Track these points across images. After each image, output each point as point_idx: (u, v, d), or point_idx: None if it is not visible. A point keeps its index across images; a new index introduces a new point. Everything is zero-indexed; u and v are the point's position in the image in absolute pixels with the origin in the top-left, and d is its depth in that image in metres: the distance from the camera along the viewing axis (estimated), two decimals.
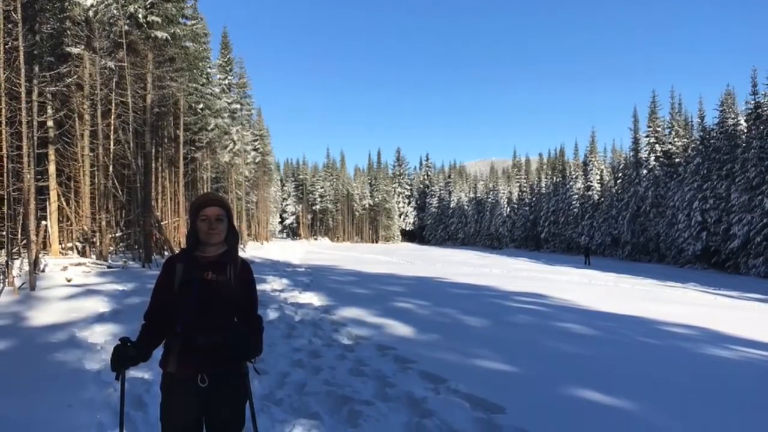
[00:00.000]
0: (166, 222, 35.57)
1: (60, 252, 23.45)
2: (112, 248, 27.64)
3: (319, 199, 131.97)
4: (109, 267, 22.46)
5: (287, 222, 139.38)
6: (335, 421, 6.39)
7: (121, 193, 29.29)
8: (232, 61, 60.06)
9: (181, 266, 3.63)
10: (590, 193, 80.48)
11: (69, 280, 17.36)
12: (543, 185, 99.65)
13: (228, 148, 52.13)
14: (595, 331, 12.78)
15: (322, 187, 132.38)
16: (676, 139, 61.81)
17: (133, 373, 7.32)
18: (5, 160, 17.47)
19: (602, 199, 77.28)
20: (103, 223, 25.84)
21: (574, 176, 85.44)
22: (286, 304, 16.14)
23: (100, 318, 12.07)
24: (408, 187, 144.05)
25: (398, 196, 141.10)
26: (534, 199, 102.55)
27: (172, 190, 38.33)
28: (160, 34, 28.33)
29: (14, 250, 18.75)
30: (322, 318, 13.80)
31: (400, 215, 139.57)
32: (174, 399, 3.60)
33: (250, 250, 49.88)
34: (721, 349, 11.20)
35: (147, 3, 28.10)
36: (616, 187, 72.84)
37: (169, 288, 3.62)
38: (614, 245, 69.92)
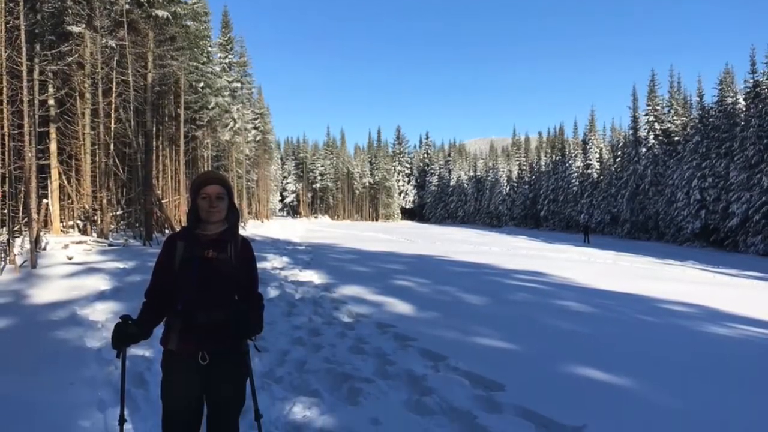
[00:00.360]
0: (167, 200, 35.57)
1: (61, 230, 23.45)
2: (113, 226, 27.65)
3: (319, 178, 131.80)
4: (110, 245, 22.48)
5: (288, 200, 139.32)
6: (335, 398, 6.42)
7: (122, 171, 29.29)
8: (232, 40, 59.72)
9: (181, 244, 3.63)
10: (589, 171, 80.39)
11: (70, 258, 17.38)
12: (542, 164, 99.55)
13: (228, 127, 52.02)
14: (594, 309, 12.82)
15: (322, 166, 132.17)
16: (675, 118, 61.70)
17: (133, 350, 7.35)
18: (6, 138, 17.48)
19: (601, 177, 77.22)
20: (104, 201, 25.85)
21: (573, 155, 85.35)
22: (286, 282, 16.18)
23: (101, 296, 12.09)
24: (408, 166, 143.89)
25: (398, 174, 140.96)
26: (533, 177, 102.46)
27: (172, 169, 38.29)
28: (160, 12, 28.19)
29: (15, 228, 18.76)
30: (322, 296, 13.84)
31: (399, 193, 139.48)
32: (175, 376, 3.62)
33: (250, 228, 49.92)
34: (720, 327, 11.24)
35: None
36: (615, 166, 72.76)
37: (170, 266, 3.63)
38: (613, 223, 69.94)
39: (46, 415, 5.55)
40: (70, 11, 24.47)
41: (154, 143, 32.15)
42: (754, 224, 42.97)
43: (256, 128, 71.15)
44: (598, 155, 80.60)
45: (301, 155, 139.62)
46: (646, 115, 63.73)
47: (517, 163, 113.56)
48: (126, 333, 3.53)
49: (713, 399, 6.57)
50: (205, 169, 44.75)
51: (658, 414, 5.95)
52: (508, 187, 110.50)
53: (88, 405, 5.86)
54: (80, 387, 6.42)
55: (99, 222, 25.41)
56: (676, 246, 50.88)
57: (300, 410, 5.94)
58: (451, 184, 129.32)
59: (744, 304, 14.69)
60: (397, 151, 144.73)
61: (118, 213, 29.62)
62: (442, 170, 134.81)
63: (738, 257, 39.06)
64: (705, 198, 49.73)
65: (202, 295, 3.57)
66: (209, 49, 44.26)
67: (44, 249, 18.30)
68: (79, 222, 25.39)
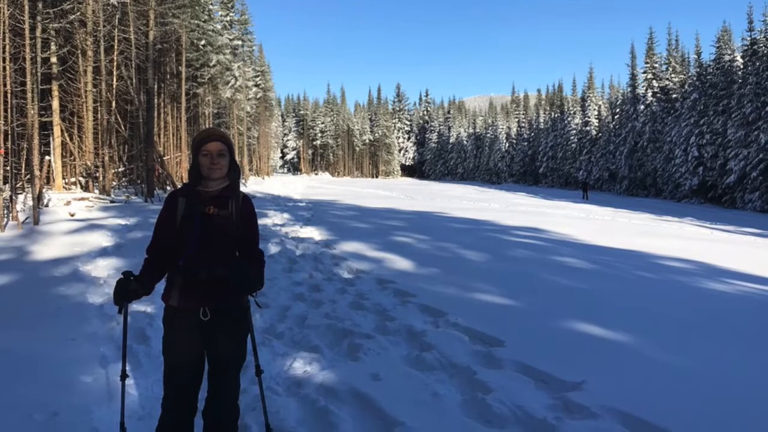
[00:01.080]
0: (169, 157, 35.53)
1: (63, 187, 23.40)
2: (115, 183, 27.70)
3: (319, 135, 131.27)
4: (111, 202, 22.51)
5: (288, 157, 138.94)
6: (335, 354, 6.48)
7: (123, 128, 29.30)
8: None
9: (183, 201, 3.63)
10: (588, 128, 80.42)
11: (72, 215, 17.39)
12: (541, 121, 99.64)
13: (230, 84, 51.73)
14: (593, 265, 12.87)
15: (322, 123, 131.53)
16: (672, 76, 61.75)
17: (135, 306, 7.39)
18: (9, 96, 17.42)
19: (600, 134, 77.31)
20: (106, 158, 25.88)
21: (572, 112, 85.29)
22: (287, 238, 16.22)
23: (103, 252, 12.13)
24: (408, 123, 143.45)
25: (398, 131, 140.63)
26: (532, 134, 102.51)
27: (174, 126, 38.21)
28: None
29: (18, 185, 18.80)
30: (322, 252, 13.88)
31: (399, 150, 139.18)
32: (176, 332, 3.64)
33: (251, 185, 49.88)
34: (717, 283, 11.29)
35: None
36: (613, 123, 72.97)
37: (172, 222, 3.63)
38: (612, 180, 70.07)
39: (48, 370, 5.60)
40: None
41: (156, 101, 32.14)
42: (751, 181, 43.11)
43: (257, 86, 70.86)
44: (596, 113, 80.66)
45: (302, 112, 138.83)
46: (644, 72, 63.78)
47: (516, 120, 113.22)
48: (128, 289, 3.54)
49: (712, 354, 6.62)
50: (207, 126, 44.66)
51: (656, 369, 6.00)
52: (507, 144, 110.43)
53: (90, 360, 5.91)
54: (82, 342, 6.46)
55: (101, 179, 25.44)
56: (674, 202, 51.00)
57: (300, 366, 6.00)
58: (451, 141, 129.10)
59: (741, 260, 14.76)
60: (397, 109, 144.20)
61: (120, 170, 29.65)
62: (441, 127, 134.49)
63: (735, 213, 39.16)
64: (703, 155, 49.78)
65: (203, 252, 3.58)
66: (210, 6, 43.94)
67: (47, 206, 18.31)
68: (81, 179, 25.39)
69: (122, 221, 16.84)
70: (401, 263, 12.28)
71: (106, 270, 10.48)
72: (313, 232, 17.62)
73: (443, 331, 7.25)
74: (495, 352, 6.43)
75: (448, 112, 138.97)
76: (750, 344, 7.19)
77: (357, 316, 8.01)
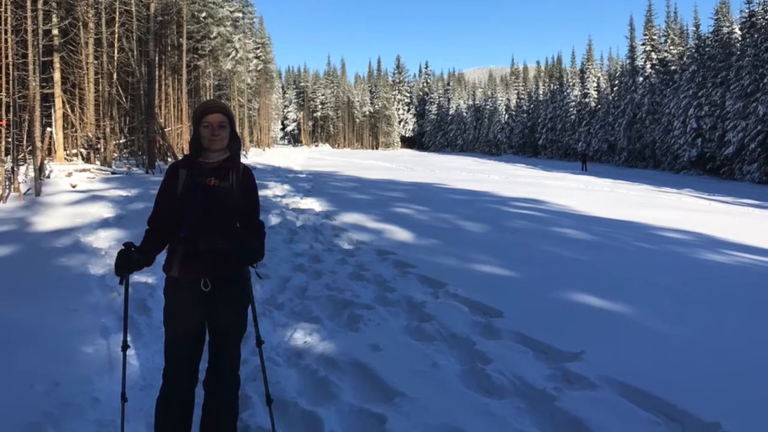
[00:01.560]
0: (170, 129, 35.48)
1: (65, 158, 23.36)
2: (116, 155, 27.71)
3: (320, 106, 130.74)
4: (113, 173, 22.52)
5: (289, 129, 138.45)
6: (336, 324, 6.51)
7: (125, 100, 29.33)
8: None
9: (184, 172, 3.62)
10: (587, 100, 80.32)
11: (73, 186, 17.40)
12: (540, 93, 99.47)
13: (230, 56, 51.45)
14: (592, 236, 12.90)
15: (323, 95, 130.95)
16: (671, 47, 61.63)
17: (136, 277, 7.41)
18: (11, 67, 17.36)
19: (599, 106, 77.24)
20: (108, 129, 25.89)
21: (571, 84, 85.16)
22: (287, 209, 16.24)
23: (105, 223, 12.15)
24: (407, 95, 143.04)
25: (398, 103, 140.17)
26: (532, 106, 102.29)
27: (175, 98, 38.15)
28: None
29: (20, 157, 18.79)
30: (322, 223, 13.91)
31: (399, 122, 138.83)
32: (177, 303, 3.65)
33: (252, 157, 49.77)
34: (716, 254, 11.32)
35: None
36: (612, 95, 72.86)
37: (173, 194, 3.63)
38: (610, 152, 70.05)
39: (49, 340, 5.63)
40: None
41: (157, 73, 32.06)
42: (749, 152, 43.18)
43: (257, 58, 70.75)
44: (595, 84, 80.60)
45: (302, 84, 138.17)
46: (643, 44, 63.74)
47: (516, 92, 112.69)
48: (129, 260, 3.54)
49: (710, 325, 6.66)
50: (207, 98, 44.51)
51: (655, 340, 6.03)
52: (506, 116, 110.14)
53: (91, 331, 5.95)
54: (83, 313, 6.50)
55: (102, 150, 25.45)
56: (672, 174, 51.00)
57: (301, 336, 6.03)
58: (450, 113, 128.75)
59: (739, 231, 14.79)
60: (397, 81, 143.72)
61: (121, 141, 29.68)
62: (441, 99, 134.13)
63: (734, 185, 39.18)
64: (701, 126, 49.80)
65: (204, 223, 3.58)
66: None
67: (48, 177, 18.32)
68: (82, 150, 25.38)
69: (123, 192, 16.86)
70: (401, 234, 12.31)
71: (107, 241, 10.51)
72: (313, 204, 17.64)
73: (443, 301, 7.28)
74: (494, 322, 6.47)
75: (448, 84, 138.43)
76: (749, 315, 7.22)
77: (357, 287, 8.04)
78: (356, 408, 4.51)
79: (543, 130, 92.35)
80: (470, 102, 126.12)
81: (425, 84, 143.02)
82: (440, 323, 6.41)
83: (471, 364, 5.36)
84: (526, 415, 4.46)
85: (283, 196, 19.62)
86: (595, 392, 4.75)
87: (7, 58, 17.15)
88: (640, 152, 62.38)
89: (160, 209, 3.71)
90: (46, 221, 12.06)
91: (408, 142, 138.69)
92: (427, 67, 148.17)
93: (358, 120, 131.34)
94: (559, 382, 5.01)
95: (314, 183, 25.78)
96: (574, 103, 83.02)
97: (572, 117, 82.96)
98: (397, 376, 5.01)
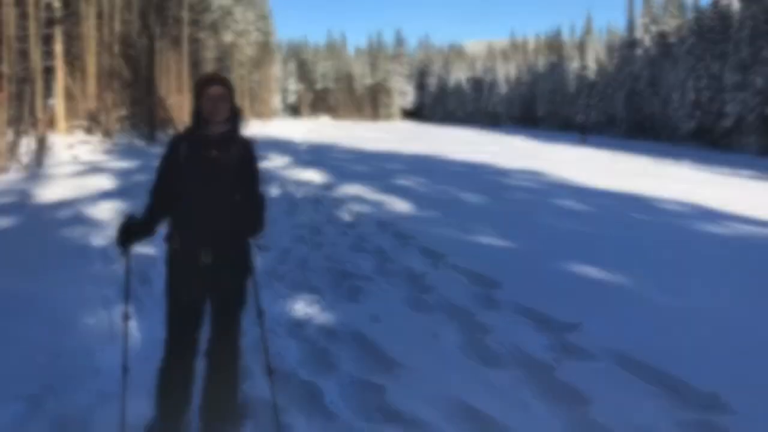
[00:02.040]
0: (171, 101, 35.43)
1: (66, 130, 23.37)
2: (117, 126, 27.67)
3: (320, 79, 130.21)
4: (114, 145, 22.55)
5: (289, 101, 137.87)
6: (336, 295, 6.53)
7: (126, 72, 29.18)
8: None
9: (185, 144, 3.62)
10: (586, 72, 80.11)
11: (75, 158, 17.40)
12: (540, 65, 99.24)
13: (231, 29, 51.29)
14: (591, 208, 12.91)
15: (323, 67, 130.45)
16: (670, 20, 61.43)
17: (138, 249, 7.41)
18: (12, 40, 17.27)
19: (598, 78, 77.06)
20: (109, 101, 25.89)
21: (570, 56, 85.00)
22: (288, 181, 16.25)
23: (106, 195, 12.16)
24: (408, 67, 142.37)
25: (398, 75, 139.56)
26: (531, 78, 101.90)
27: (176, 70, 38.06)
28: None
29: (22, 129, 18.76)
30: (323, 195, 13.92)
31: (399, 94, 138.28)
32: (178, 274, 3.66)
33: (252, 129, 49.64)
34: (715, 225, 11.34)
35: None
36: (611, 67, 72.66)
37: (174, 166, 3.63)
38: (610, 123, 69.97)
39: (51, 311, 5.65)
40: None
41: (158, 45, 31.93)
42: (747, 124, 43.17)
43: (258, 30, 70.31)
44: (594, 57, 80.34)
45: (303, 57, 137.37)
46: (642, 17, 63.57)
47: (515, 64, 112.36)
48: (130, 231, 3.56)
49: (709, 295, 6.69)
50: (208, 70, 44.31)
51: (654, 311, 6.07)
52: (506, 88, 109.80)
53: (93, 301, 5.97)
54: (85, 284, 6.51)
55: (104, 122, 25.40)
56: (671, 146, 50.90)
57: (301, 307, 6.06)
58: (450, 85, 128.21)
59: (737, 203, 14.80)
60: (397, 53, 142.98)
61: (122, 113, 29.59)
62: (441, 72, 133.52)
63: (732, 157, 39.10)
64: (700, 99, 49.74)
65: (205, 194, 3.59)
66: None
67: (50, 149, 18.31)
68: (84, 122, 25.35)
69: (125, 164, 16.87)
70: (401, 206, 12.32)
71: (108, 212, 10.51)
72: (313, 175, 17.63)
73: (443, 273, 7.31)
74: (494, 293, 6.50)
75: (448, 57, 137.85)
76: (747, 285, 7.26)
77: (357, 258, 8.06)
78: (356, 378, 4.54)
79: (542, 101, 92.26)
80: (470, 74, 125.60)
81: (425, 56, 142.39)
82: (440, 294, 6.44)
83: (471, 335, 5.39)
84: (525, 385, 4.49)
85: (283, 168, 19.61)
86: (594, 363, 4.79)
87: (8, 30, 17.06)
88: (639, 124, 62.42)
89: (161, 181, 3.71)
90: (47, 193, 12.07)
91: (408, 114, 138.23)
92: (427, 40, 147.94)
93: (358, 92, 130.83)
94: (558, 352, 5.04)
95: (314, 155, 25.78)
96: (573, 75, 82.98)
97: (571, 89, 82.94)
98: (397, 347, 5.04)
